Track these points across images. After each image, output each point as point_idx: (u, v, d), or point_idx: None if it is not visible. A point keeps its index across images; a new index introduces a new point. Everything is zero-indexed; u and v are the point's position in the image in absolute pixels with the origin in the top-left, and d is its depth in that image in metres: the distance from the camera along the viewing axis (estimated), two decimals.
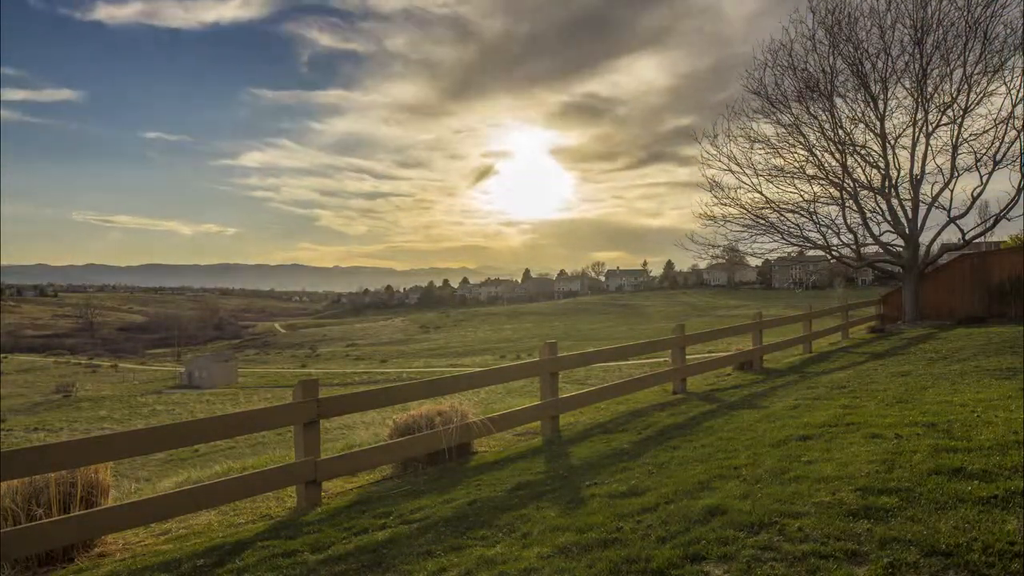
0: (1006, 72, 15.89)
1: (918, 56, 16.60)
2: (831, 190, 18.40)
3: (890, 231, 17.99)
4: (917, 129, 17.23)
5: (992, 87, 16.11)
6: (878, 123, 17.49)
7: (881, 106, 17.37)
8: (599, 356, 9.61)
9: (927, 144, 17.19)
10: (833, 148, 17.95)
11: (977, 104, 16.38)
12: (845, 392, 8.17)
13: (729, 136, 18.98)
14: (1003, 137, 16.09)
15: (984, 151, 16.49)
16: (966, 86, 16.23)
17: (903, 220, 17.72)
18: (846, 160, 17.88)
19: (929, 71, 16.60)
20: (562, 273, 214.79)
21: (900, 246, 17.97)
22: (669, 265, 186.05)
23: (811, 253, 20.97)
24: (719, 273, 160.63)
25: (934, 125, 17.00)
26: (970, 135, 16.70)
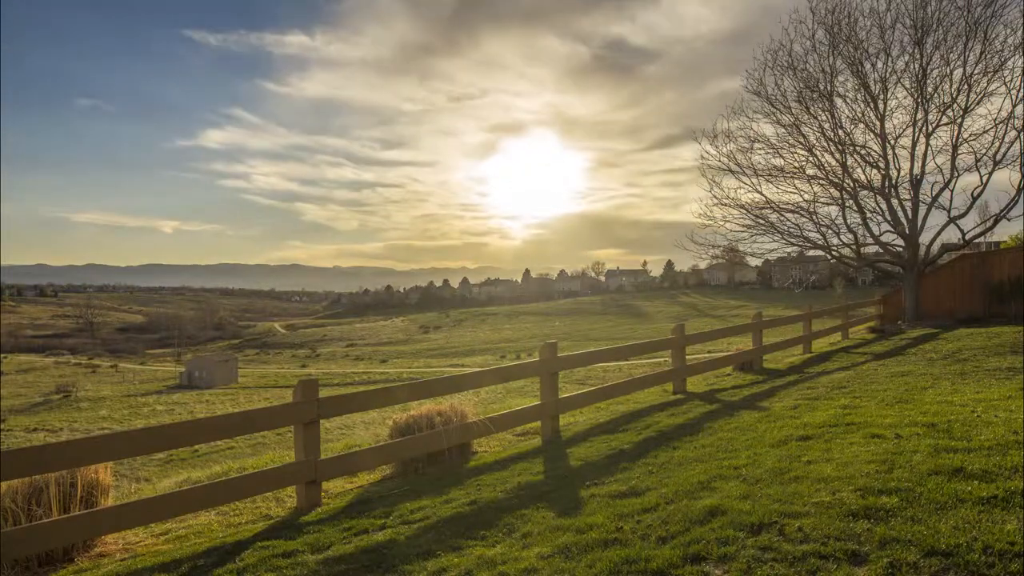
0: (1006, 72, 15.88)
1: (918, 56, 16.60)
2: (831, 190, 18.39)
3: (890, 231, 17.98)
4: (917, 129, 17.22)
5: (992, 87, 16.09)
6: (878, 123, 17.48)
7: (881, 106, 17.36)
8: (599, 356, 9.61)
9: (927, 144, 17.18)
10: (833, 148, 17.94)
11: (977, 104, 16.37)
12: (845, 392, 8.17)
13: (729, 136, 18.98)
14: (1003, 137, 16.08)
15: (984, 151, 16.48)
16: (966, 86, 16.22)
17: (903, 220, 17.71)
18: (846, 160, 17.87)
19: (929, 71, 16.59)
20: (562, 273, 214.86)
21: (900, 246, 17.97)
22: (669, 265, 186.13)
23: (811, 253, 20.96)
24: (719, 273, 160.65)
25: (934, 125, 16.99)
26: (970, 135, 16.69)
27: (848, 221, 18.35)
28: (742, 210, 18.96)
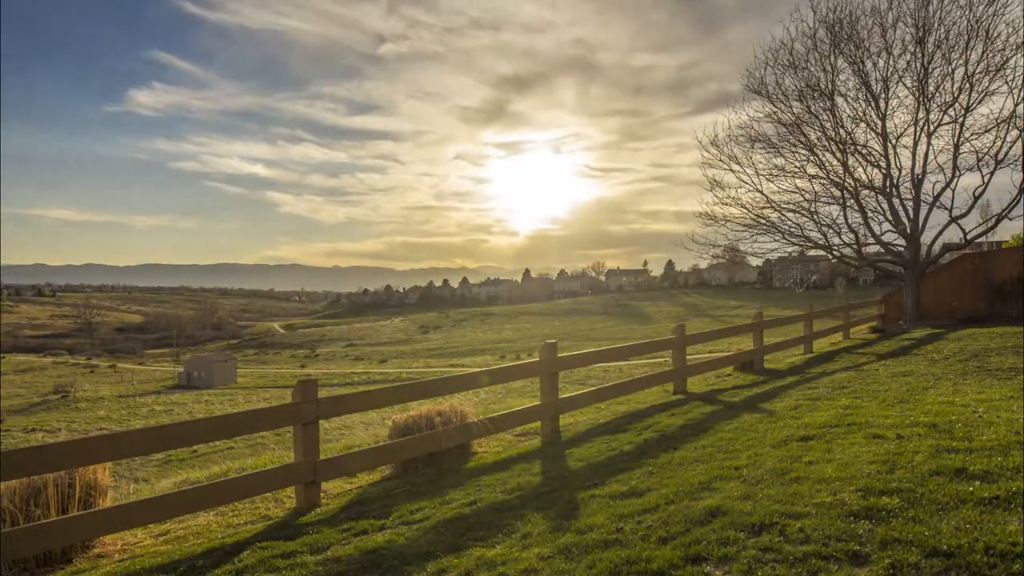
0: (1008, 71, 15.85)
1: (919, 55, 16.58)
2: (832, 189, 18.38)
3: (891, 231, 17.96)
4: (918, 128, 17.21)
5: (994, 86, 16.07)
6: (879, 122, 17.46)
7: (882, 105, 17.34)
8: (599, 356, 9.59)
9: (928, 143, 17.16)
10: (834, 147, 17.93)
11: (979, 103, 16.35)
12: (846, 392, 8.15)
13: (730, 135, 18.98)
14: (1005, 136, 16.06)
15: (986, 150, 16.46)
16: (968, 85, 16.20)
17: (904, 219, 17.70)
18: (847, 159, 17.86)
19: (931, 70, 16.56)
20: (562, 273, 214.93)
21: (901, 246, 17.95)
22: (670, 265, 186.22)
23: (812, 253, 20.93)
24: (720, 273, 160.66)
25: (935, 124, 16.97)
26: (971, 134, 16.67)
27: (849, 220, 18.35)
28: (743, 209, 18.97)
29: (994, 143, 16.25)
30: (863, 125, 17.82)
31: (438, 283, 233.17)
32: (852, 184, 17.97)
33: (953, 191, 17.07)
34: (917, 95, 16.91)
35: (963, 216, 17.18)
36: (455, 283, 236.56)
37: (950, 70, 16.38)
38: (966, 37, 15.98)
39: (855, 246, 18.62)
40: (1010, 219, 16.90)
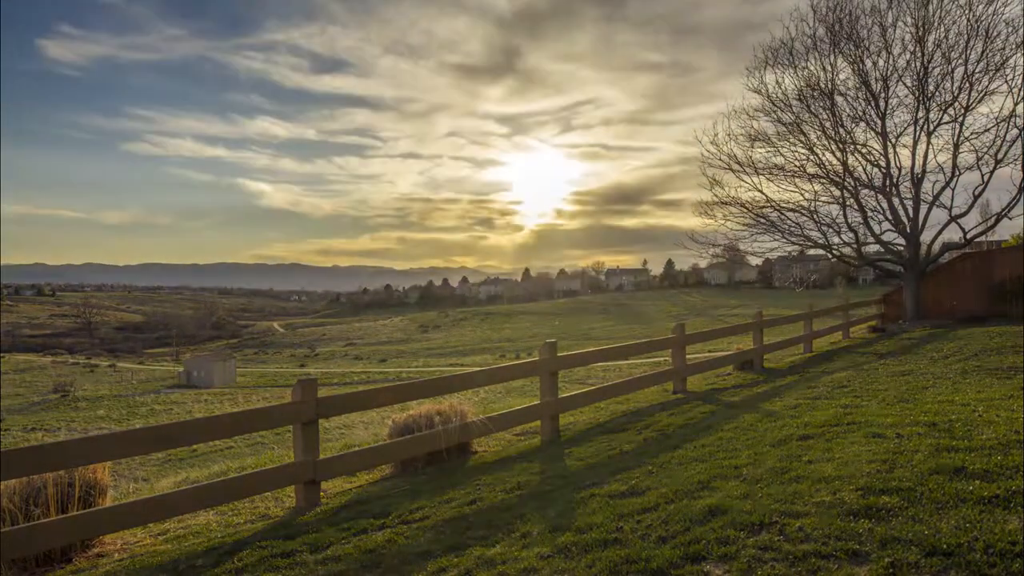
0: (1008, 70, 15.87)
1: (919, 54, 16.58)
2: (832, 189, 18.39)
3: (891, 230, 17.97)
4: (918, 127, 17.22)
5: (994, 85, 16.09)
6: (879, 121, 17.47)
7: (882, 104, 17.35)
8: (599, 355, 9.59)
9: (928, 142, 17.18)
10: (834, 146, 17.93)
11: (978, 102, 16.37)
12: (846, 391, 8.15)
13: (730, 134, 18.98)
14: (1004, 135, 16.08)
15: (985, 149, 16.48)
16: (967, 84, 16.21)
17: (904, 219, 17.70)
18: (847, 158, 17.86)
19: (930, 69, 16.57)
20: (562, 272, 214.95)
21: (901, 245, 17.96)
22: (669, 264, 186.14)
23: (812, 252, 20.93)
24: (719, 272, 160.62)
25: (935, 123, 16.98)
26: (971, 133, 16.69)
27: (849, 220, 18.36)
28: (743, 209, 18.96)
29: (994, 142, 16.28)
30: (863, 124, 17.84)
31: (438, 282, 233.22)
32: (852, 183, 17.98)
33: (953, 190, 17.10)
34: (917, 94, 16.92)
35: (963, 215, 17.20)
36: (455, 282, 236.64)
37: (950, 69, 16.39)
38: (966, 36, 16.00)
39: (855, 245, 18.63)
40: (1010, 218, 16.94)
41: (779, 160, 18.62)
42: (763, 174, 18.70)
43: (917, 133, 17.26)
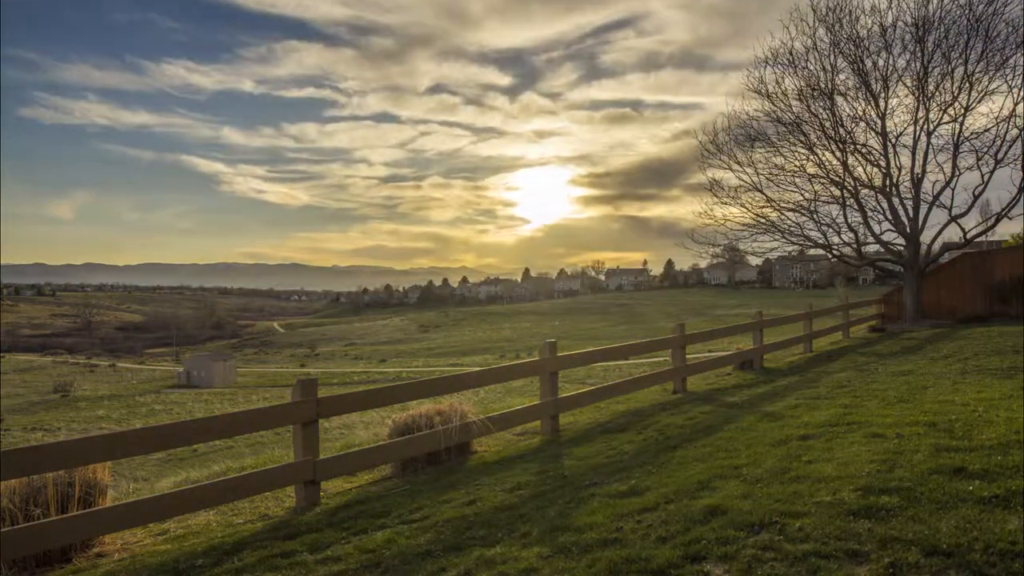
0: (1008, 70, 15.88)
1: (919, 54, 16.58)
2: (832, 189, 18.40)
3: (891, 230, 17.98)
4: (918, 127, 17.22)
5: (993, 85, 16.10)
6: (879, 121, 17.47)
7: (882, 104, 17.35)
8: (599, 355, 9.59)
9: (928, 142, 17.18)
10: (834, 147, 17.93)
11: (978, 102, 16.37)
12: (846, 391, 8.15)
13: (730, 134, 18.98)
14: (1004, 135, 16.09)
15: (985, 149, 16.49)
16: (967, 84, 16.21)
17: (904, 219, 17.71)
18: (847, 159, 17.87)
19: (930, 69, 16.57)
20: (562, 272, 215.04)
21: (901, 245, 17.96)
22: (669, 264, 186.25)
23: (812, 252, 20.95)
24: (719, 272, 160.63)
25: (935, 123, 16.98)
26: (971, 133, 16.69)
27: (849, 220, 18.38)
28: (743, 209, 18.98)
29: (994, 142, 16.28)
30: (863, 124, 17.84)
31: (438, 282, 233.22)
32: (852, 183, 17.99)
33: (953, 190, 17.11)
34: (917, 94, 16.92)
35: (963, 215, 17.20)
36: (455, 282, 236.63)
37: (950, 69, 16.39)
38: (966, 36, 16.00)
39: (855, 245, 18.63)
40: (1010, 218, 16.95)
41: (779, 160, 18.64)
42: (763, 174, 18.72)
43: (917, 133, 17.27)
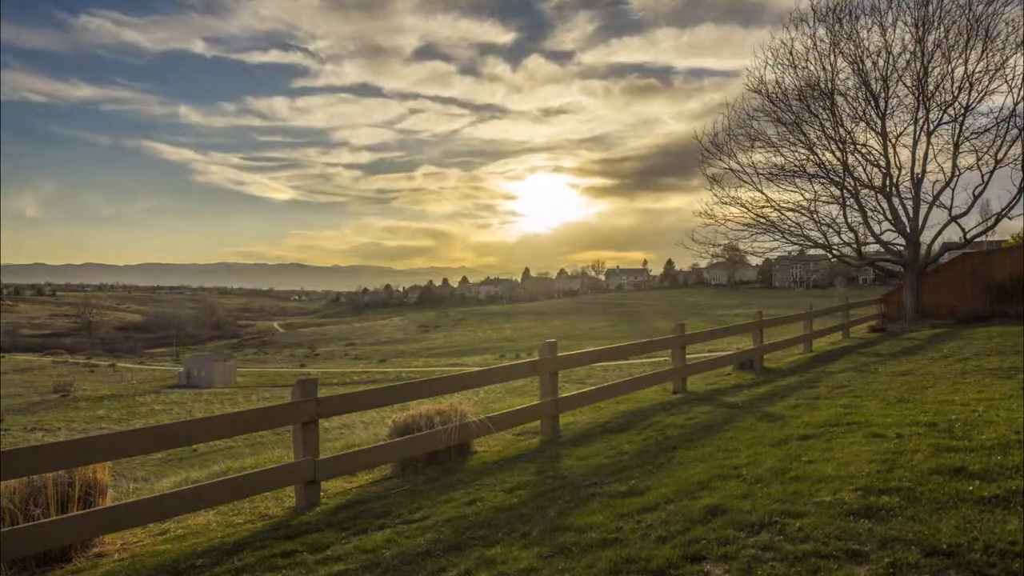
0: (1007, 70, 15.88)
1: (919, 54, 16.59)
2: (832, 189, 18.41)
3: (891, 230, 17.99)
4: (918, 127, 17.22)
5: (993, 85, 16.11)
6: (879, 121, 17.47)
7: (882, 104, 17.35)
8: (599, 355, 9.59)
9: (928, 142, 17.19)
10: (834, 147, 17.94)
11: (978, 102, 16.39)
12: (846, 391, 8.15)
13: (730, 134, 18.99)
14: (1004, 135, 16.09)
15: (985, 149, 16.50)
16: (967, 84, 16.22)
17: (904, 219, 17.71)
18: (847, 159, 17.87)
19: (930, 69, 16.58)
20: (562, 272, 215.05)
21: (901, 245, 17.97)
22: (669, 264, 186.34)
23: (812, 252, 20.97)
24: (719, 272, 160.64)
25: (935, 123, 17.00)
26: (971, 134, 16.70)
27: (849, 220, 18.39)
28: (743, 209, 18.98)
29: (994, 142, 16.28)
30: (863, 124, 17.85)
31: (437, 282, 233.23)
32: (852, 183, 17.99)
33: (953, 190, 17.12)
34: (917, 94, 16.92)
35: (963, 215, 17.21)
36: (455, 282, 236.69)
37: (950, 69, 16.40)
38: (965, 36, 16.00)
39: (855, 245, 18.64)
40: (1009, 218, 16.95)
41: (779, 160, 18.65)
42: (763, 174, 18.73)
43: (917, 133, 17.27)
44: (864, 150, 17.87)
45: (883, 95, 17.28)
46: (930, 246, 18.73)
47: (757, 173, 18.71)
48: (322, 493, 5.58)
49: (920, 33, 16.44)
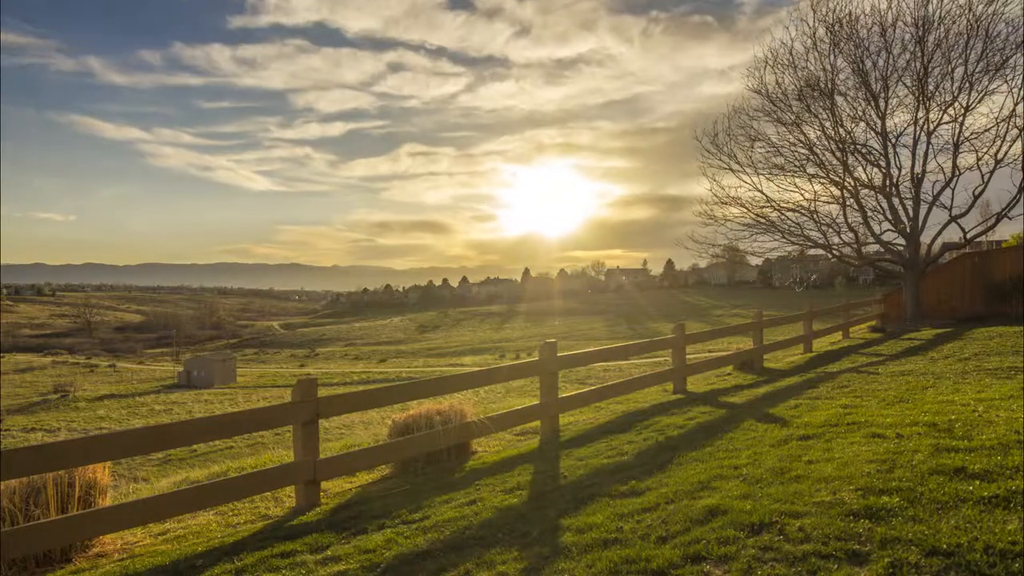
0: (1008, 70, 15.87)
1: (919, 54, 16.58)
2: (832, 189, 18.41)
3: (891, 230, 17.98)
4: (918, 127, 17.22)
5: (993, 85, 16.10)
6: (879, 121, 17.47)
7: (882, 104, 17.35)
8: (599, 355, 9.59)
9: (928, 143, 17.19)
10: (834, 147, 17.94)
11: (978, 102, 16.37)
12: (846, 391, 8.15)
13: (730, 134, 18.99)
14: (1004, 135, 16.08)
15: (985, 150, 16.49)
16: (967, 84, 16.21)
17: (904, 219, 17.71)
18: (847, 159, 17.87)
19: (930, 69, 16.57)
20: (562, 272, 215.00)
21: (901, 245, 17.96)
22: (669, 264, 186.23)
23: (812, 252, 20.97)
24: (719, 272, 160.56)
25: (935, 124, 16.98)
26: (971, 134, 16.69)
27: (849, 220, 18.38)
28: (743, 209, 18.98)
29: (994, 142, 16.28)
30: (863, 124, 17.84)
31: (437, 282, 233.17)
32: (852, 183, 17.99)
33: (953, 190, 17.11)
34: (917, 94, 16.92)
35: (963, 215, 17.20)
36: (455, 282, 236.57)
37: (950, 69, 16.39)
38: (966, 36, 16.00)
39: (855, 245, 18.63)
40: (1010, 218, 16.93)
41: (779, 160, 18.64)
42: (763, 174, 18.73)
43: (917, 133, 17.27)
44: (864, 150, 17.87)
45: (883, 95, 17.28)
46: (930, 246, 18.73)
47: (757, 173, 18.72)
48: (322, 493, 5.58)
49: (920, 33, 16.44)
